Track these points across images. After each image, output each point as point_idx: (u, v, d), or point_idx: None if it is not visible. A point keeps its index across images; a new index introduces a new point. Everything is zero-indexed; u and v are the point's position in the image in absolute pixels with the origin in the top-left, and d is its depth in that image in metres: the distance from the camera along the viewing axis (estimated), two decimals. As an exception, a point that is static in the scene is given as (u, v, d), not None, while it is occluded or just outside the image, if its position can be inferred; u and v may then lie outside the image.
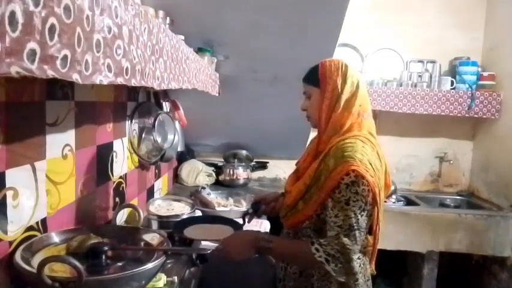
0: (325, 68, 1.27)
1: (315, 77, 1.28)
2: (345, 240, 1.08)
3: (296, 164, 1.40)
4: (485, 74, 2.88)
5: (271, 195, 1.50)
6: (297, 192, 1.24)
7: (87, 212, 1.29)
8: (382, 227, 1.28)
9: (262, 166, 3.02)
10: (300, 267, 1.24)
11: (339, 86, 1.23)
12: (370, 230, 1.20)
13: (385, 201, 1.30)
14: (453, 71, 2.97)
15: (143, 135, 1.80)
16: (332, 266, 1.08)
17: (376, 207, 1.14)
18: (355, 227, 1.09)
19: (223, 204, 2.19)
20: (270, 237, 1.22)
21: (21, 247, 0.88)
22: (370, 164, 1.12)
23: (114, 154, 1.51)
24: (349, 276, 1.10)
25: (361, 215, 1.10)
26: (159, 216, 1.60)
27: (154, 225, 1.57)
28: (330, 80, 1.25)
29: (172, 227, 1.43)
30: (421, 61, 3.03)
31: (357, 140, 1.17)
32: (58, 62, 0.46)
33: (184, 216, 1.57)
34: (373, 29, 3.00)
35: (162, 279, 1.00)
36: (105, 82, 0.60)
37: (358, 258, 1.14)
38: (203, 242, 1.54)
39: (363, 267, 1.18)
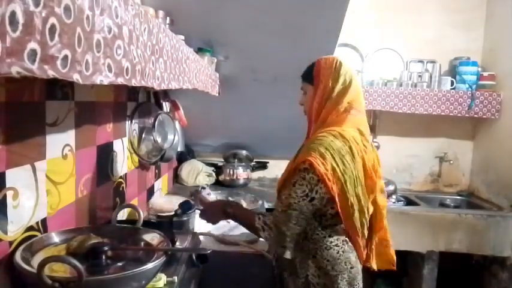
0: (319, 66, 1.34)
1: (310, 75, 1.36)
2: (280, 214, 1.21)
3: None
4: (485, 74, 2.88)
5: None
6: (280, 181, 1.33)
7: (87, 212, 1.29)
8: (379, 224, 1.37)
9: (262, 166, 3.02)
10: (249, 231, 1.36)
11: (330, 85, 1.30)
12: (341, 221, 1.25)
13: (379, 193, 1.36)
14: (453, 71, 2.97)
15: (143, 135, 1.80)
16: (266, 233, 1.23)
17: (333, 200, 1.20)
18: (294, 207, 1.19)
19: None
20: (233, 205, 1.40)
21: (21, 247, 0.88)
22: (333, 157, 1.19)
23: (114, 154, 1.51)
24: (278, 247, 1.22)
25: (303, 200, 1.19)
26: (159, 216, 1.60)
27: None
28: (322, 78, 1.32)
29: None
30: (421, 61, 3.03)
31: (329, 135, 1.24)
32: (58, 62, 0.46)
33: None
34: (373, 29, 3.00)
35: (162, 279, 1.00)
36: (105, 82, 0.60)
37: (336, 246, 1.26)
38: (203, 242, 1.54)
39: (343, 254, 1.26)
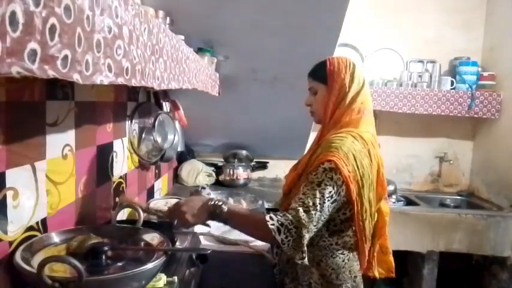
0: (333, 66, 1.29)
1: (322, 74, 1.30)
2: (303, 215, 1.07)
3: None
4: (485, 74, 2.88)
5: None
6: (290, 180, 1.29)
7: (87, 212, 1.29)
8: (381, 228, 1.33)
9: (262, 166, 3.02)
10: (252, 237, 1.22)
11: (347, 84, 1.26)
12: (349, 227, 1.23)
13: (383, 200, 1.32)
14: (453, 71, 2.97)
15: (143, 135, 1.80)
16: (282, 236, 1.06)
17: (352, 205, 1.16)
18: (318, 208, 1.09)
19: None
20: (225, 202, 1.17)
21: (21, 247, 0.88)
22: (355, 160, 1.14)
23: (114, 154, 1.51)
24: (297, 252, 1.07)
25: (328, 201, 1.11)
26: (159, 216, 1.60)
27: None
28: (337, 78, 1.27)
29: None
30: (421, 61, 3.03)
31: (349, 135, 1.20)
32: (59, 62, 0.46)
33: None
34: (373, 29, 3.00)
35: (162, 279, 1.00)
36: (105, 82, 0.60)
37: (342, 254, 1.21)
38: (203, 242, 1.54)
39: (348, 263, 1.23)
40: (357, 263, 1.27)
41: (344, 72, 1.27)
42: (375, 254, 1.36)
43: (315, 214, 1.08)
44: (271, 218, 1.08)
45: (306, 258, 1.09)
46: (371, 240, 1.29)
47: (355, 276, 1.25)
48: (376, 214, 1.28)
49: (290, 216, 1.07)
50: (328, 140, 1.20)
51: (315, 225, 1.09)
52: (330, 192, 1.11)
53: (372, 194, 1.21)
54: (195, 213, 1.15)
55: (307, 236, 1.07)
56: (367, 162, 1.18)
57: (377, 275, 1.37)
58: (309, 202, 1.09)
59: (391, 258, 1.43)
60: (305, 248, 1.08)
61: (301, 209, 1.08)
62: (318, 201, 1.09)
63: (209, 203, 1.16)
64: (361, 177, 1.15)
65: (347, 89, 1.26)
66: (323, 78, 1.29)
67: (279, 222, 1.07)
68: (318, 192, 1.10)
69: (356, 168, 1.14)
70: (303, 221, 1.06)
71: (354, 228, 1.21)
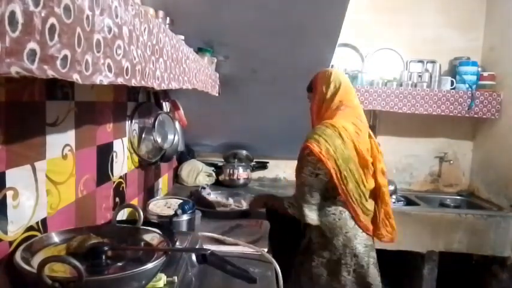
0: (315, 78, 1.73)
1: (309, 86, 1.75)
2: (297, 193, 1.63)
3: None
4: (485, 74, 2.88)
5: None
6: (295, 168, 1.68)
7: (87, 212, 1.29)
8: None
9: (262, 166, 3.02)
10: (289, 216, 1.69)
11: (324, 90, 1.67)
12: (338, 194, 1.58)
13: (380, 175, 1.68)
14: (453, 71, 2.97)
15: (143, 135, 1.80)
16: (292, 210, 1.64)
17: (330, 174, 1.53)
18: (306, 184, 1.58)
19: (224, 204, 2.19)
20: (270, 197, 1.92)
21: (21, 247, 0.88)
22: (326, 141, 1.53)
23: (114, 154, 1.51)
24: (301, 216, 1.60)
25: (310, 176, 1.56)
26: (159, 216, 1.60)
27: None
28: (318, 87, 1.69)
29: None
30: (421, 61, 3.03)
31: (321, 126, 1.59)
32: (58, 62, 0.46)
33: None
34: (373, 29, 3.00)
35: (162, 279, 1.00)
36: (105, 82, 0.60)
37: (333, 214, 1.59)
38: (203, 242, 1.54)
39: (339, 221, 1.60)
40: (351, 222, 1.61)
41: (321, 82, 1.68)
42: (381, 218, 1.69)
43: (306, 189, 1.58)
44: (285, 200, 1.68)
45: (309, 218, 1.59)
46: (376, 207, 1.67)
47: (347, 232, 1.60)
48: (371, 182, 1.64)
49: (293, 197, 1.66)
50: (310, 131, 1.62)
51: (309, 196, 1.58)
52: (309, 169, 1.56)
53: (353, 165, 1.56)
54: (257, 205, 1.96)
55: (305, 205, 1.59)
56: (339, 141, 1.55)
57: (383, 235, 1.70)
58: (299, 183, 1.61)
59: (393, 222, 1.74)
60: (306, 212, 1.59)
61: (296, 191, 1.63)
62: (303, 179, 1.58)
63: (263, 199, 1.94)
64: (334, 152, 1.53)
65: (324, 94, 1.66)
66: (310, 89, 1.75)
67: (289, 203, 1.66)
68: (302, 173, 1.58)
69: (328, 147, 1.53)
70: (298, 196, 1.62)
71: (342, 189, 1.55)
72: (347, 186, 1.55)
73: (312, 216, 1.59)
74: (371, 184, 1.64)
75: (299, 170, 1.60)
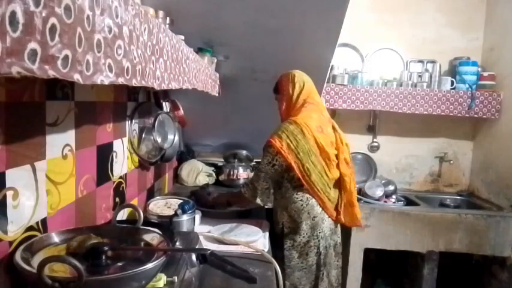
0: (280, 81, 1.89)
1: (276, 88, 1.91)
2: (254, 176, 1.82)
3: None
4: (485, 74, 2.88)
5: None
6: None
7: (87, 212, 1.29)
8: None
9: (262, 166, 3.02)
10: (246, 205, 1.93)
11: (290, 92, 1.84)
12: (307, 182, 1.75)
13: (344, 165, 1.84)
14: (453, 71, 2.97)
15: (143, 135, 1.80)
16: (244, 189, 1.81)
17: (291, 166, 1.70)
18: (262, 171, 1.76)
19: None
20: (230, 195, 2.02)
21: (21, 247, 0.88)
22: (288, 137, 1.70)
23: (114, 154, 1.51)
24: (253, 197, 1.78)
25: (267, 166, 1.75)
26: (159, 216, 1.60)
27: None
28: (284, 88, 1.86)
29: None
30: (421, 61, 3.04)
31: (285, 123, 1.76)
32: (59, 62, 0.46)
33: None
34: (373, 29, 3.00)
35: (162, 279, 1.00)
36: (106, 82, 0.60)
37: (301, 200, 1.76)
38: (203, 242, 1.54)
39: (306, 207, 1.76)
40: (319, 208, 1.77)
41: (287, 83, 1.85)
42: (342, 205, 1.84)
43: (261, 174, 1.76)
44: (242, 186, 1.85)
45: (259, 200, 1.78)
46: (339, 194, 1.83)
47: (314, 217, 1.77)
48: (335, 172, 1.79)
49: (249, 180, 1.84)
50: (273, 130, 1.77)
51: (263, 181, 1.76)
52: (268, 160, 1.74)
53: (314, 158, 1.72)
54: (219, 202, 2.01)
55: (259, 188, 1.77)
56: (301, 136, 1.70)
57: (344, 221, 1.85)
58: (257, 170, 1.81)
59: (357, 211, 1.87)
60: (258, 195, 1.77)
61: (253, 175, 1.83)
62: (261, 167, 1.77)
63: (226, 197, 2.01)
64: (295, 147, 1.69)
65: (290, 94, 1.83)
66: (277, 91, 1.91)
67: (243, 184, 1.86)
68: (262, 163, 1.77)
69: (290, 142, 1.69)
70: (254, 178, 1.80)
71: (305, 179, 1.72)
72: (310, 177, 1.71)
73: (262, 197, 1.78)
74: (335, 174, 1.79)
75: (261, 160, 1.79)
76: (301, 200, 1.76)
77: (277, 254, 1.74)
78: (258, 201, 1.78)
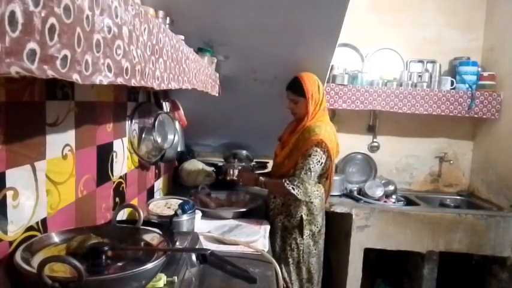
0: (307, 84, 1.99)
1: (301, 90, 1.99)
2: (304, 176, 1.91)
3: (279, 139, 2.21)
4: (485, 74, 2.88)
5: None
6: (284, 154, 2.05)
7: (87, 212, 1.29)
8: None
9: (262, 166, 3.01)
10: (280, 195, 2.06)
11: (319, 98, 2.01)
12: (327, 176, 2.06)
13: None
14: (453, 71, 2.97)
15: (143, 135, 1.80)
16: (296, 191, 1.91)
17: (330, 162, 1.96)
18: (311, 169, 1.91)
19: (224, 204, 2.19)
20: (264, 177, 2.06)
21: (21, 247, 0.88)
22: (329, 138, 1.91)
23: (114, 154, 1.51)
24: (306, 197, 1.94)
25: (317, 164, 1.91)
26: (159, 216, 1.60)
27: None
28: (312, 93, 1.99)
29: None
30: (421, 61, 3.04)
31: (323, 124, 1.97)
32: (58, 62, 0.46)
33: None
34: (373, 29, 3.00)
35: (162, 279, 1.00)
36: (105, 82, 0.60)
37: (317, 191, 1.99)
38: (203, 242, 1.54)
39: (321, 196, 2.04)
40: (323, 200, 2.07)
41: (315, 88, 1.99)
42: (328, 194, 2.14)
43: (311, 174, 1.91)
44: (286, 183, 1.92)
45: (311, 197, 1.96)
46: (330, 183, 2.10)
47: (322, 209, 2.06)
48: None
49: (298, 179, 1.91)
50: (311, 127, 1.94)
51: (312, 180, 1.93)
52: (317, 159, 1.90)
53: (334, 155, 1.98)
54: (247, 182, 2.20)
55: (309, 187, 1.92)
56: (334, 138, 1.98)
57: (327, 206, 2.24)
58: (306, 167, 1.91)
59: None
60: (309, 192, 1.93)
61: (302, 173, 1.91)
62: (310, 165, 1.90)
63: (256, 178, 2.07)
64: (332, 147, 1.92)
65: (319, 99, 2.01)
66: (302, 93, 1.99)
67: (291, 184, 1.91)
68: (310, 160, 1.90)
69: (331, 142, 1.92)
70: (306, 179, 1.91)
71: (329, 176, 2.03)
72: (332, 173, 2.03)
73: (311, 195, 1.96)
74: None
75: (307, 157, 1.90)
76: (320, 196, 2.02)
77: (285, 246, 2.01)
78: (312, 199, 1.97)
